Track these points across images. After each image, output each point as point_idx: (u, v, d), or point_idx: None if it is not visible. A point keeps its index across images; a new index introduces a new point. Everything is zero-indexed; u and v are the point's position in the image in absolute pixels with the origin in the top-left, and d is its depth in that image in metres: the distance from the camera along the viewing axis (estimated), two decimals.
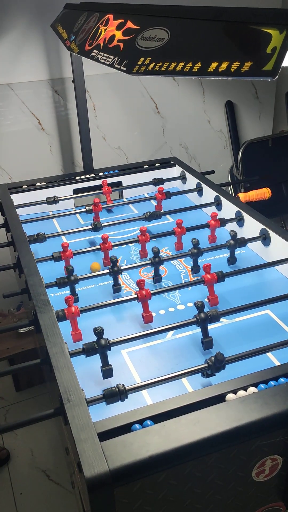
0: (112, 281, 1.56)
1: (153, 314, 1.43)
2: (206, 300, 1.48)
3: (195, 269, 1.64)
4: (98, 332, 1.19)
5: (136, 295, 1.39)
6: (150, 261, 1.58)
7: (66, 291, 1.58)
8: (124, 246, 1.75)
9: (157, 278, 1.61)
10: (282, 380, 1.07)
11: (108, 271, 1.54)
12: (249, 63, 0.91)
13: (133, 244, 1.81)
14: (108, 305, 1.41)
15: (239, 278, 1.56)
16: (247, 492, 1.06)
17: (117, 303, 1.42)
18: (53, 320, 1.28)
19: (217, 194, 1.98)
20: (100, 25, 1.63)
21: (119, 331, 1.38)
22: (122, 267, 1.57)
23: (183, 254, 1.64)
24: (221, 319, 1.33)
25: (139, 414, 0.99)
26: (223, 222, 1.80)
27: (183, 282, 1.59)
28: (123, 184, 2.30)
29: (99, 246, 1.69)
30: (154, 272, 1.62)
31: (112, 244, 1.69)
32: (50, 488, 2.15)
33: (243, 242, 1.66)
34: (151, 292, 1.40)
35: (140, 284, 1.39)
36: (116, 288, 1.56)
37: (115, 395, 1.07)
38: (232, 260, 1.69)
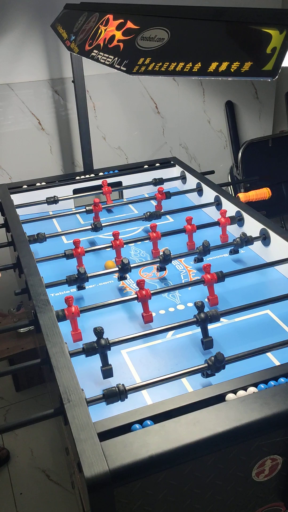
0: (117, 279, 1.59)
1: (153, 314, 1.43)
2: (206, 300, 1.48)
3: (198, 260, 1.68)
4: (98, 332, 1.19)
5: (136, 295, 1.39)
6: (158, 259, 1.59)
7: (66, 291, 1.58)
8: (124, 246, 1.75)
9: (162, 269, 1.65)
10: (282, 380, 1.07)
11: (117, 269, 1.55)
12: (249, 63, 0.91)
13: (133, 244, 1.81)
14: (108, 305, 1.41)
15: (239, 278, 1.56)
16: (247, 492, 1.06)
17: (117, 303, 1.42)
18: (53, 320, 1.28)
19: (217, 194, 1.98)
20: (100, 25, 1.63)
21: (119, 331, 1.38)
22: (134, 264, 1.59)
23: (186, 253, 1.65)
24: (221, 319, 1.33)
25: (139, 414, 0.99)
26: (233, 219, 1.81)
27: (183, 282, 1.59)
28: (123, 184, 2.30)
29: (110, 244, 1.69)
30: (160, 269, 1.65)
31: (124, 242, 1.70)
32: (50, 488, 2.15)
33: (250, 240, 1.68)
34: (151, 292, 1.40)
35: (140, 284, 1.39)
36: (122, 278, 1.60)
37: (115, 395, 1.07)
38: (234, 252, 1.71)
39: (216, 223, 1.81)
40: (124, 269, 1.54)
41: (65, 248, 1.67)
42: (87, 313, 1.38)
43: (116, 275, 1.63)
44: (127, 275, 1.59)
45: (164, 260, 1.58)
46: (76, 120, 2.41)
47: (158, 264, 1.64)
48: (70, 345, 1.33)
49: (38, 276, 1.48)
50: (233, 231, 1.87)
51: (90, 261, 1.73)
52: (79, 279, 1.49)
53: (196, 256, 1.67)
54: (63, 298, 1.34)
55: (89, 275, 1.52)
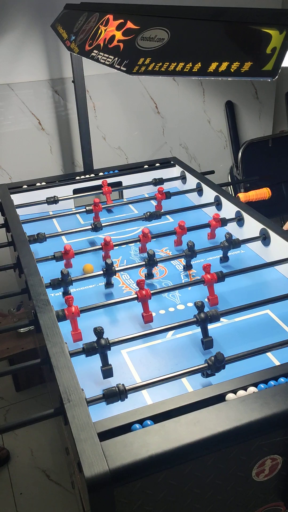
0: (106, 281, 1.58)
1: (153, 314, 1.43)
2: (206, 300, 1.48)
3: (188, 267, 1.67)
4: (98, 332, 1.19)
5: (136, 295, 1.39)
6: (144, 262, 1.58)
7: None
8: (124, 246, 1.75)
9: (150, 276, 1.63)
10: (282, 380, 1.07)
11: (101, 272, 1.54)
12: (249, 63, 0.91)
13: (133, 244, 1.81)
14: (108, 305, 1.41)
15: (239, 278, 1.56)
16: (247, 492, 1.06)
17: (117, 303, 1.42)
18: (53, 320, 1.28)
19: (217, 194, 1.98)
20: (100, 25, 1.63)
21: (119, 331, 1.38)
22: (122, 267, 1.57)
23: (179, 255, 1.64)
24: (221, 319, 1.33)
25: (139, 414, 0.99)
26: (224, 222, 1.80)
27: (183, 282, 1.59)
28: (123, 184, 2.30)
29: (100, 246, 1.69)
30: (147, 271, 1.63)
31: (113, 244, 1.69)
32: (50, 488, 2.15)
33: (237, 243, 1.66)
34: (151, 292, 1.40)
35: (140, 284, 1.39)
36: (108, 286, 1.59)
37: (115, 395, 1.07)
38: (224, 259, 1.69)
39: (207, 225, 1.80)
40: (109, 272, 1.53)
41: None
42: (87, 313, 1.38)
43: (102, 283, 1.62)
44: (112, 281, 1.59)
45: (150, 264, 1.57)
46: (76, 120, 2.41)
47: (145, 272, 1.64)
48: (70, 345, 1.33)
49: (38, 276, 1.48)
50: (233, 231, 1.87)
51: (91, 262, 1.73)
52: (63, 282, 1.49)
53: (184, 261, 1.67)
54: (63, 298, 1.35)
55: (74, 278, 1.52)
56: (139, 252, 1.77)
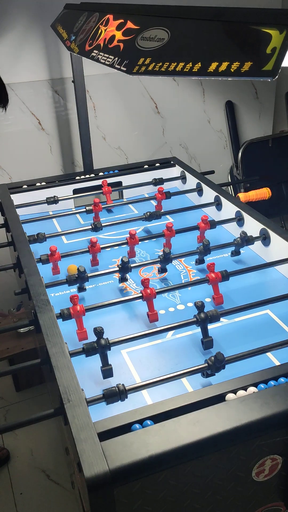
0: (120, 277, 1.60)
1: (160, 313, 1.43)
2: (211, 299, 1.48)
3: (199, 262, 1.68)
4: (98, 332, 1.19)
5: (140, 294, 1.39)
6: (159, 259, 1.59)
7: (66, 291, 1.58)
8: (124, 246, 1.75)
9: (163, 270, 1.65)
10: (282, 380, 1.07)
11: (117, 268, 1.55)
12: (249, 63, 0.91)
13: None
14: (112, 304, 1.41)
15: (239, 278, 1.56)
16: (247, 492, 1.06)
17: (121, 302, 1.42)
18: (53, 320, 1.28)
19: (217, 194, 1.98)
20: (100, 25, 1.63)
21: (119, 331, 1.38)
22: (137, 264, 1.60)
23: (190, 252, 1.65)
24: (221, 319, 1.33)
25: (139, 414, 0.99)
26: (213, 224, 1.78)
27: (183, 282, 1.59)
28: (123, 184, 2.30)
29: (87, 249, 1.68)
30: (161, 267, 1.65)
31: (101, 246, 1.68)
32: (50, 488, 2.15)
33: (250, 240, 1.67)
34: (156, 291, 1.40)
35: (145, 282, 1.39)
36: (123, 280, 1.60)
37: (115, 395, 1.07)
38: (236, 253, 1.70)
39: (196, 227, 1.79)
40: (124, 268, 1.54)
41: (65, 248, 1.67)
42: (88, 313, 1.38)
43: (116, 275, 1.63)
44: (127, 275, 1.59)
45: (165, 260, 1.58)
46: (76, 120, 2.41)
47: (159, 265, 1.64)
48: (73, 344, 1.33)
49: (38, 276, 1.48)
50: (233, 231, 1.87)
51: (89, 262, 1.73)
52: (79, 278, 1.49)
53: (197, 257, 1.67)
54: (63, 298, 1.34)
55: (90, 275, 1.52)
56: (128, 257, 1.75)
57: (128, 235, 1.69)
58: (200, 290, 1.54)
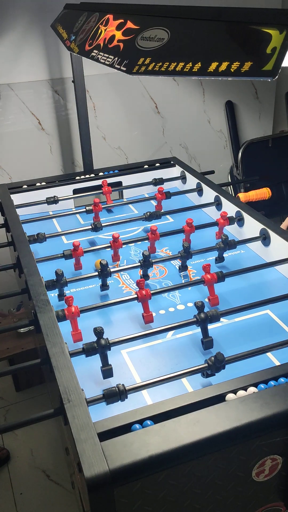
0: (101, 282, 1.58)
1: (154, 314, 1.43)
2: (207, 300, 1.48)
3: (183, 268, 1.65)
4: (98, 332, 1.19)
5: (136, 295, 1.39)
6: (139, 264, 1.57)
7: (66, 291, 1.58)
8: (124, 246, 1.75)
9: (145, 276, 1.61)
10: (282, 380, 1.07)
11: (97, 273, 1.54)
12: (249, 63, 0.91)
13: (133, 244, 1.81)
14: (108, 305, 1.41)
15: (239, 278, 1.56)
16: (247, 492, 1.06)
17: (117, 303, 1.42)
18: (53, 320, 1.28)
19: (217, 194, 1.98)
20: (100, 25, 1.63)
21: (119, 331, 1.38)
22: (122, 267, 1.57)
23: (174, 256, 1.63)
24: (221, 319, 1.33)
25: (139, 414, 0.99)
26: (232, 220, 1.80)
27: (183, 282, 1.59)
28: (123, 184, 2.30)
29: (109, 244, 1.69)
30: (142, 272, 1.61)
31: (99, 247, 1.69)
32: (50, 488, 2.15)
33: (232, 244, 1.65)
34: (151, 292, 1.40)
35: (140, 284, 1.39)
36: (104, 288, 1.57)
37: (115, 395, 1.07)
38: (220, 260, 1.68)
39: (215, 223, 1.80)
40: (104, 273, 1.52)
41: (65, 248, 1.67)
42: (87, 313, 1.38)
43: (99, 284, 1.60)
44: (107, 283, 1.57)
45: (145, 265, 1.56)
46: (76, 120, 2.41)
47: (141, 272, 1.62)
48: (70, 345, 1.33)
49: (38, 276, 1.48)
50: (233, 230, 1.87)
51: (89, 261, 1.73)
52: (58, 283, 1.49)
53: (179, 263, 1.66)
54: (63, 298, 1.34)
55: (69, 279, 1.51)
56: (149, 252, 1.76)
57: (150, 232, 1.69)
58: (200, 290, 1.54)
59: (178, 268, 1.67)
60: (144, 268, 1.57)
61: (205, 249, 1.67)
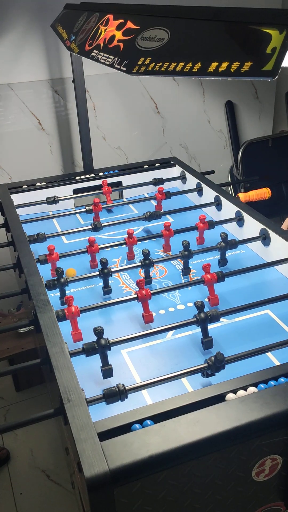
0: (102, 284, 1.56)
1: (153, 314, 1.43)
2: (206, 300, 1.48)
3: (186, 271, 1.63)
4: (98, 332, 1.19)
5: (136, 295, 1.39)
6: (140, 263, 1.56)
7: (66, 291, 1.58)
8: (124, 246, 1.75)
9: (147, 280, 1.58)
10: (282, 380, 1.07)
11: (97, 273, 1.53)
12: (249, 63, 0.91)
13: (140, 242, 1.80)
14: (108, 305, 1.41)
15: (239, 278, 1.56)
16: (247, 492, 1.06)
17: (117, 303, 1.42)
18: (53, 320, 1.28)
19: (217, 194, 1.98)
20: (100, 25, 1.63)
21: (119, 331, 1.38)
22: (121, 267, 1.57)
23: (175, 256, 1.63)
24: (221, 319, 1.33)
25: (139, 414, 0.99)
26: (211, 224, 1.78)
27: (183, 282, 1.59)
28: (123, 184, 2.30)
29: (85, 249, 1.67)
30: (144, 274, 1.60)
31: (99, 247, 1.67)
32: (50, 488, 2.15)
33: (233, 244, 1.64)
34: (151, 292, 1.40)
35: (140, 284, 1.39)
36: (106, 290, 1.56)
37: (115, 395, 1.07)
38: (223, 262, 1.67)
39: (194, 228, 1.78)
40: (105, 273, 1.51)
41: (65, 248, 1.67)
42: (87, 313, 1.38)
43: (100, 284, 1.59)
44: (110, 286, 1.56)
45: (146, 264, 1.55)
46: (76, 120, 2.41)
47: (144, 274, 1.61)
48: (70, 345, 1.33)
49: (38, 276, 1.48)
50: (233, 230, 1.87)
51: (85, 262, 1.73)
52: (58, 283, 1.48)
53: (182, 265, 1.65)
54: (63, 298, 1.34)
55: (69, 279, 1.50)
56: (128, 260, 1.74)
57: (127, 235, 1.68)
58: (200, 290, 1.54)
59: (181, 270, 1.66)
60: (146, 267, 1.56)
61: (206, 249, 1.67)
